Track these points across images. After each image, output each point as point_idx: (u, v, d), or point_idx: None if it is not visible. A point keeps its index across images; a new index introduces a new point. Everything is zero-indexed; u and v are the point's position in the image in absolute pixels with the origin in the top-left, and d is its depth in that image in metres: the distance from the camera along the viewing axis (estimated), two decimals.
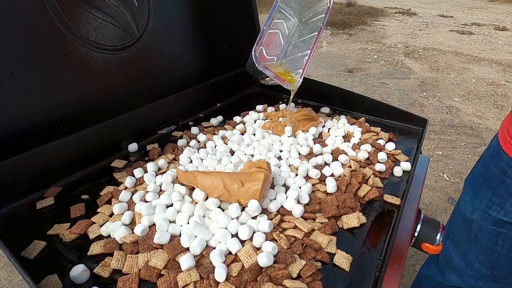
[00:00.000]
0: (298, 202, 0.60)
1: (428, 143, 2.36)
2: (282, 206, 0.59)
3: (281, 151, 0.76)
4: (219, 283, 0.45)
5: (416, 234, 0.71)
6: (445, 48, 4.64)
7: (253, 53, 0.77)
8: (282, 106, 1.00)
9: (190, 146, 0.77)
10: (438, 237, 0.72)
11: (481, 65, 3.95)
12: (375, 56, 4.28)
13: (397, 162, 0.76)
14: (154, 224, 0.55)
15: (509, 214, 0.70)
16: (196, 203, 0.58)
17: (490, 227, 0.73)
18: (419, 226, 0.71)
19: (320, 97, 1.05)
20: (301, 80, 0.86)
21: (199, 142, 0.81)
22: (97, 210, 0.59)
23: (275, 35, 0.95)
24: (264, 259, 0.45)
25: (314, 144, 0.79)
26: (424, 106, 2.93)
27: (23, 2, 0.60)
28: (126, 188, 0.65)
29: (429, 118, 2.81)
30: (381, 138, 0.83)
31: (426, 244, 0.72)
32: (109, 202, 0.62)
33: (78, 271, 0.46)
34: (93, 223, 0.56)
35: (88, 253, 0.50)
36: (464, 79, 3.54)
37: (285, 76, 0.87)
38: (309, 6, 0.94)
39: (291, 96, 0.87)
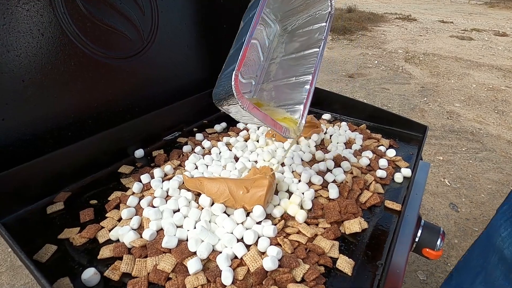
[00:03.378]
0: (302, 207, 0.61)
1: (429, 148, 2.38)
2: (285, 212, 0.60)
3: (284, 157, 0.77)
4: (226, 286, 0.46)
5: (417, 239, 0.73)
6: (445, 53, 4.67)
7: (232, 82, 0.47)
8: None
9: (195, 153, 0.79)
10: (438, 242, 0.73)
11: (481, 71, 3.97)
12: (376, 62, 4.31)
13: (397, 169, 0.77)
14: (161, 229, 0.56)
15: None
16: (202, 208, 0.60)
17: None
18: (419, 232, 0.73)
19: (321, 104, 1.07)
20: (303, 122, 0.59)
21: (203, 148, 0.83)
22: (106, 215, 0.61)
23: (252, 47, 0.68)
24: (269, 263, 0.47)
25: (317, 150, 0.81)
26: (424, 111, 2.95)
27: (37, 15, 0.62)
28: (133, 193, 0.66)
29: (429, 124, 2.81)
30: (382, 145, 0.85)
31: (427, 249, 0.73)
32: (117, 207, 0.63)
33: (89, 274, 0.47)
34: (102, 227, 0.58)
35: (98, 257, 0.52)
36: (465, 84, 3.56)
37: (281, 118, 0.60)
38: (297, 9, 0.68)
39: (289, 147, 0.64)
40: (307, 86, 0.62)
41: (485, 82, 3.60)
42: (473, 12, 8.35)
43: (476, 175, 2.07)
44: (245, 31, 0.52)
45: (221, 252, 0.51)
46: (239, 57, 0.49)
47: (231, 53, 0.54)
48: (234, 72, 0.47)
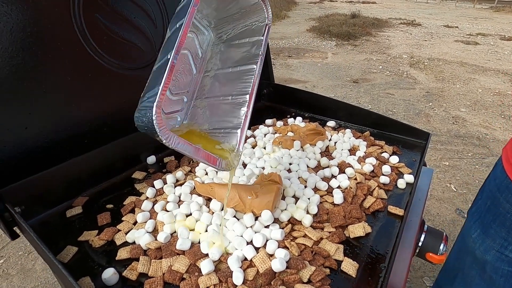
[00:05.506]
0: (308, 212, 0.64)
1: (435, 153, 2.38)
2: (292, 216, 0.63)
3: (290, 164, 0.80)
4: (236, 286, 0.49)
5: (420, 244, 0.75)
6: (450, 58, 4.67)
7: (153, 114, 0.41)
8: (290, 120, 1.05)
9: None
10: (441, 247, 0.75)
11: (487, 75, 3.97)
12: (380, 67, 4.33)
13: (400, 175, 0.79)
14: (175, 232, 0.60)
15: None
16: (213, 212, 0.63)
17: (507, 269, 0.67)
18: (422, 237, 0.75)
19: (326, 111, 1.10)
20: (242, 151, 0.54)
21: None
22: (122, 219, 0.64)
23: (183, 58, 0.60)
24: (277, 265, 0.50)
25: (322, 157, 0.84)
26: (430, 116, 2.95)
27: (57, 30, 0.67)
28: (147, 198, 0.70)
29: (435, 129, 2.80)
30: (385, 152, 0.87)
31: (430, 254, 0.75)
32: (132, 211, 0.67)
33: (109, 274, 0.51)
34: (119, 230, 0.61)
35: (116, 258, 0.55)
36: (470, 89, 3.55)
37: (213, 148, 0.53)
38: (233, 17, 0.60)
39: (230, 178, 0.55)
40: (244, 109, 0.56)
41: (491, 87, 3.59)
42: (478, 17, 8.33)
43: (482, 181, 2.07)
44: (170, 45, 0.43)
45: (231, 254, 0.54)
46: (162, 82, 0.41)
47: (155, 68, 0.44)
48: (155, 104, 0.40)
